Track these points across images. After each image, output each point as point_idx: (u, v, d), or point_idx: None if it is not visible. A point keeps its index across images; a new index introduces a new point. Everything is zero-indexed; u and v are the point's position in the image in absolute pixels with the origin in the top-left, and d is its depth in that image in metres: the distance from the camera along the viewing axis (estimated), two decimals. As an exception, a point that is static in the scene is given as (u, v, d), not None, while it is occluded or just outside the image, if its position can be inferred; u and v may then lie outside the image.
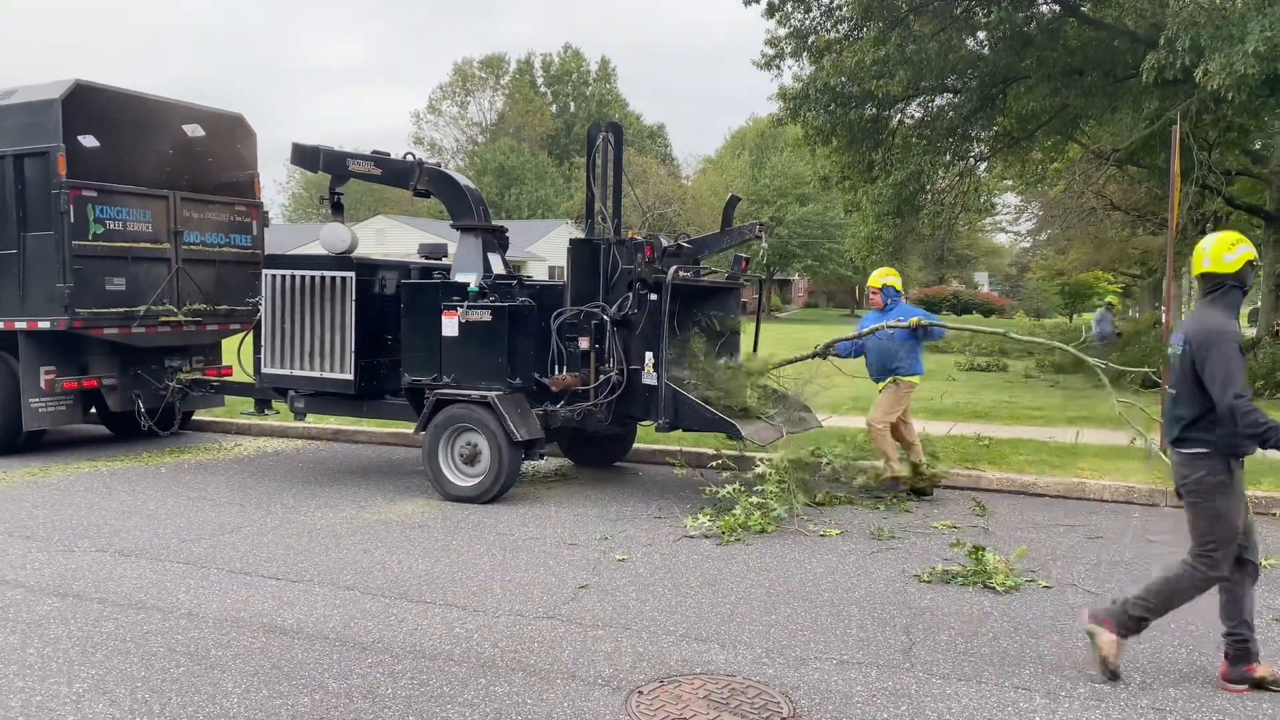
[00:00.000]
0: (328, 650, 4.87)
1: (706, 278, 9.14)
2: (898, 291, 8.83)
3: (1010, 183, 28.32)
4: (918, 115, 20.56)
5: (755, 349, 9.65)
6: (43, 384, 10.27)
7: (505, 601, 5.64)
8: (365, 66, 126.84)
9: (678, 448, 9.89)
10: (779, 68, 20.54)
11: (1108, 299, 24.29)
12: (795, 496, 7.62)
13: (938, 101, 19.97)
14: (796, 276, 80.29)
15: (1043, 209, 35.57)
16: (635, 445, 10.26)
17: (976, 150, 20.17)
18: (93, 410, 11.51)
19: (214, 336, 11.73)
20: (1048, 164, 23.03)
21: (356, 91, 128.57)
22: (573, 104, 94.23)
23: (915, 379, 8.61)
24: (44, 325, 10.05)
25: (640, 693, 4.38)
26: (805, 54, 19.38)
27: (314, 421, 11.74)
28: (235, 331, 11.67)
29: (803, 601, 5.68)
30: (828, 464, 8.87)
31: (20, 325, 10.14)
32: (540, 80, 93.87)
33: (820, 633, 5.16)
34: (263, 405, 10.54)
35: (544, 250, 53.48)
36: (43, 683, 4.47)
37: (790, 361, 9.42)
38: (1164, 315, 13.05)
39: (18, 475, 9.44)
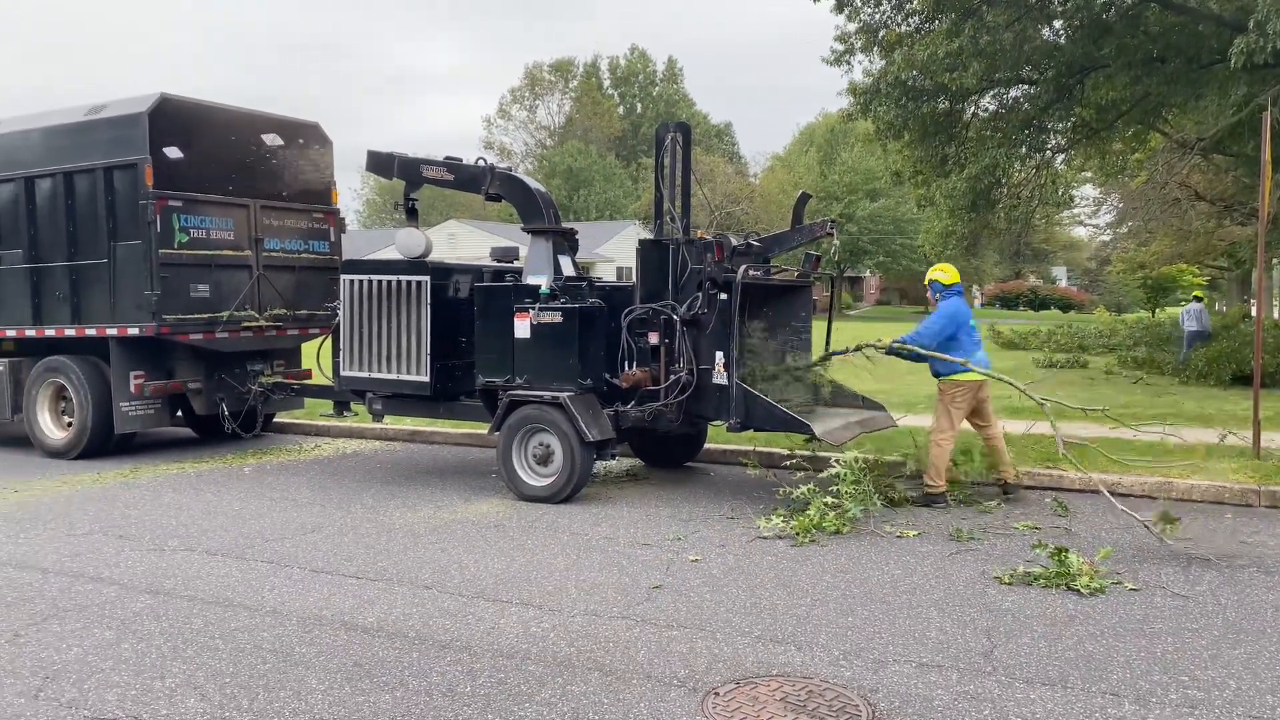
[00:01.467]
0: (407, 648, 4.95)
1: (777, 276, 9.07)
2: (944, 286, 8.48)
3: (1089, 175, 27.61)
4: (992, 108, 20.16)
5: (828, 348, 9.55)
6: (132, 388, 10.63)
7: (580, 601, 5.67)
8: (439, 73, 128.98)
9: (750, 447, 9.86)
10: (849, 63, 20.31)
11: (1194, 293, 23.50)
12: (871, 497, 7.52)
13: (1012, 93, 19.55)
14: (868, 274, 79.41)
15: (1123, 201, 34.59)
16: (706, 445, 10.24)
17: (1053, 142, 19.69)
18: (179, 413, 11.89)
19: (294, 341, 12.01)
20: (1128, 154, 22.39)
21: (430, 98, 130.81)
22: (639, 105, 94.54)
23: (958, 377, 8.20)
24: (133, 331, 10.40)
25: (717, 694, 4.36)
26: (875, 49, 19.13)
27: (391, 423, 11.96)
28: (314, 336, 11.95)
29: (880, 603, 5.61)
30: (905, 464, 8.79)
31: (111, 331, 10.51)
32: (607, 82, 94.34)
33: (898, 635, 5.09)
34: (342, 407, 10.78)
35: (612, 251, 53.69)
36: (137, 677, 4.62)
37: (830, 356, 9.21)
38: (1254, 308, 12.60)
39: (111, 476, 9.78)
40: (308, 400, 12.33)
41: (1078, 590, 5.74)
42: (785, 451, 9.03)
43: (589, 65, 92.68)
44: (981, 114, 19.87)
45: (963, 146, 19.68)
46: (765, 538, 7.08)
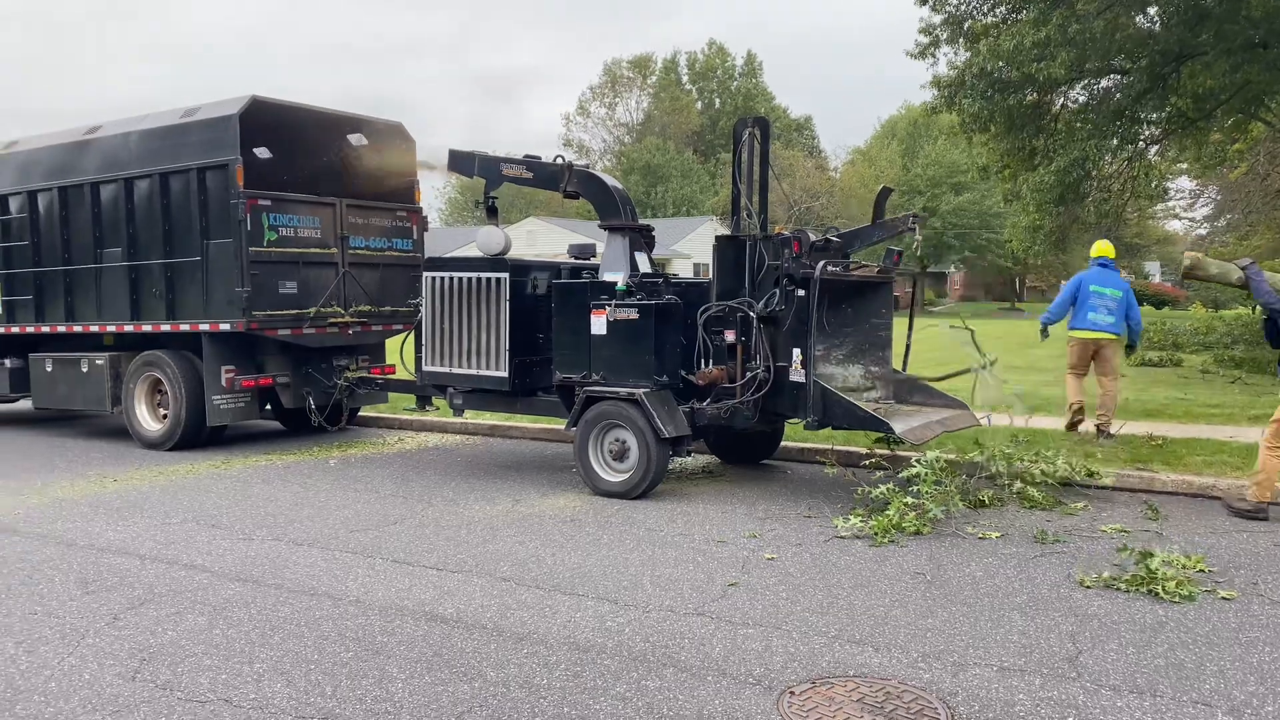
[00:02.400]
0: (485, 639, 5.03)
1: (856, 272, 8.96)
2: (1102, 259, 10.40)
3: (1185, 166, 26.66)
4: (1082, 98, 19.64)
5: (908, 345, 9.42)
6: (224, 382, 10.97)
7: (655, 597, 5.69)
8: (525, 73, 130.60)
9: (828, 446, 9.77)
10: (934, 56, 19.98)
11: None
12: (952, 497, 7.39)
13: (1103, 83, 19.02)
14: (952, 270, 77.89)
15: (1221, 193, 33.35)
16: (784, 444, 10.17)
17: (1147, 133, 19.08)
18: (267, 407, 12.24)
19: (378, 336, 12.27)
20: (1228, 145, 21.56)
21: (516, 98, 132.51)
22: (718, 100, 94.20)
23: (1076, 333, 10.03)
24: (224, 327, 10.73)
25: (793, 693, 4.34)
26: (961, 40, 18.79)
27: (471, 418, 12.13)
28: (398, 331, 12.18)
29: (960, 605, 5.51)
30: (990, 463, 8.62)
31: (204, 327, 10.87)
32: (685, 78, 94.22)
33: (979, 638, 5.00)
34: (424, 401, 11.00)
35: (689, 247, 53.65)
36: (227, 662, 4.77)
37: (953, 376, 9.23)
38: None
39: (204, 468, 10.12)
40: (391, 395, 12.59)
41: (1166, 597, 5.55)
42: (864, 450, 8.93)
43: (668, 61, 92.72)
44: (1071, 105, 19.37)
45: (1052, 138, 19.19)
46: (843, 537, 7.01)
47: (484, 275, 9.17)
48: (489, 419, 12.21)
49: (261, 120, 10.73)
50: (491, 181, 10.09)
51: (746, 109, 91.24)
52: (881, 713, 4.14)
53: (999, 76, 17.43)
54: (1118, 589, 5.73)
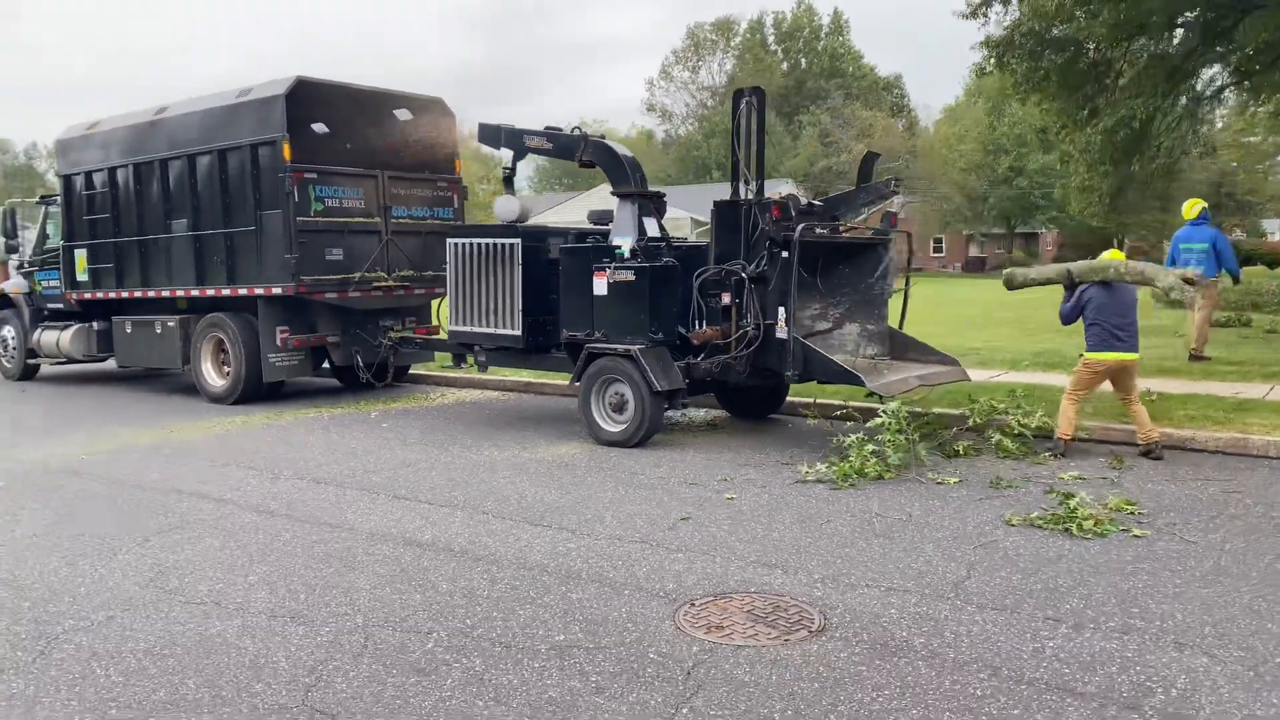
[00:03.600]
0: (449, 560, 5.77)
1: (846, 235, 9.37)
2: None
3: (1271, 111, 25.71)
4: (1136, 56, 19.27)
5: (905, 305, 9.82)
6: (278, 341, 11.96)
7: (610, 528, 6.35)
8: (614, 41, 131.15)
9: (812, 400, 10.24)
10: (985, 15, 19.83)
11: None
12: (915, 446, 7.85)
13: (1153, 40, 18.64)
14: (1043, 230, 75.94)
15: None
16: (802, 399, 10.59)
17: (1198, 90, 18.68)
18: (325, 365, 13.22)
19: (421, 300, 13.11)
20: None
21: (606, 65, 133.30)
22: (804, 60, 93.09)
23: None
24: (276, 290, 11.69)
25: (693, 604, 4.97)
26: (1013, -1, 18.59)
27: (507, 375, 12.94)
28: (440, 295, 12.99)
29: (884, 539, 6.03)
30: (971, 415, 9.03)
31: (259, 291, 11.85)
32: (771, 38, 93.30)
33: (886, 565, 5.53)
34: (459, 359, 11.80)
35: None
36: (227, 575, 5.61)
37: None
38: None
39: (257, 419, 11.13)
40: (438, 354, 13.44)
41: (1078, 533, 5.98)
42: (850, 404, 9.39)
43: (753, 22, 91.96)
44: (1123, 63, 19.05)
45: (1111, 95, 18.92)
46: (806, 482, 7.55)
47: (499, 241, 9.88)
48: (526, 377, 12.97)
49: (307, 99, 11.59)
50: (517, 152, 10.75)
51: (832, 69, 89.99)
52: (764, 621, 4.74)
53: (1047, 36, 17.30)
54: (1038, 527, 6.18)
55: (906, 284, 9.84)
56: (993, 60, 18.94)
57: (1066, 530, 6.05)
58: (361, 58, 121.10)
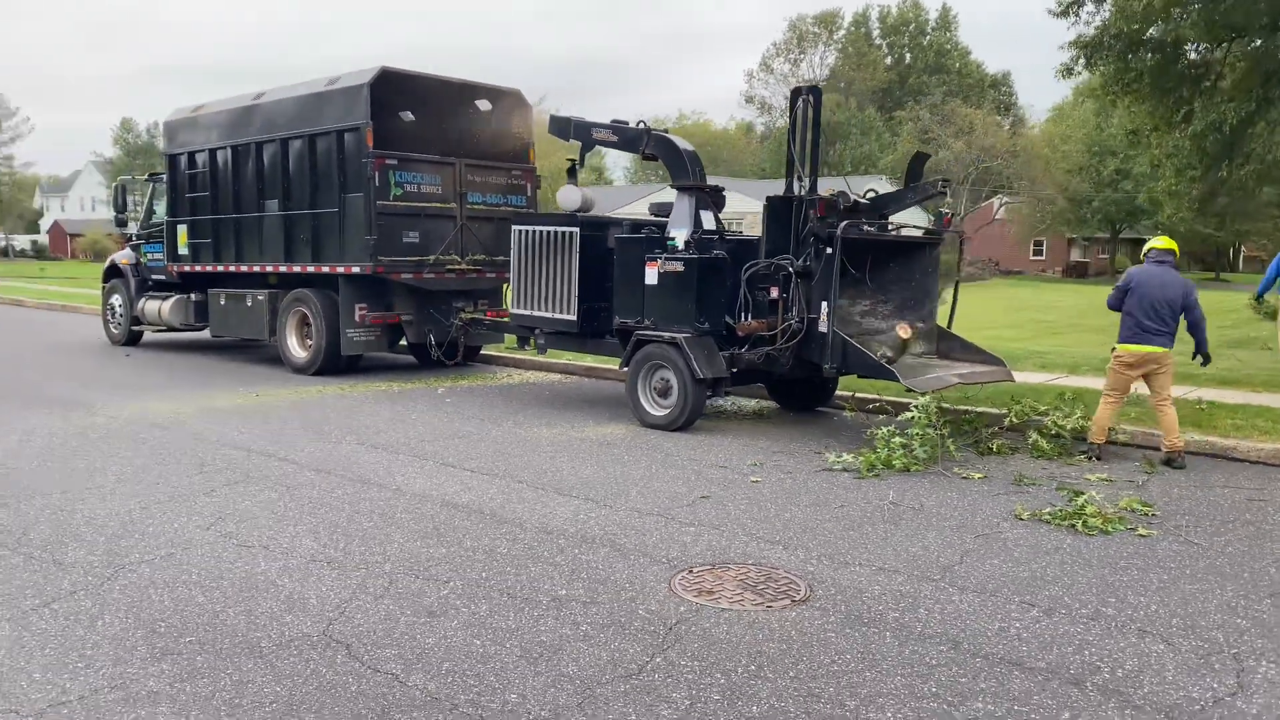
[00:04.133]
0: (479, 521, 6.24)
1: (894, 233, 9.57)
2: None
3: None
4: (1237, 59, 18.75)
5: (954, 305, 9.95)
6: (356, 318, 12.66)
7: (633, 502, 6.75)
8: (728, 32, 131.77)
9: (877, 397, 10.44)
10: (1076, 14, 19.54)
11: None
12: (943, 440, 8.04)
13: (1259, 41, 18.12)
14: (1154, 235, 73.39)
15: None
16: (853, 394, 10.82)
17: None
18: (402, 342, 13.90)
19: (492, 283, 13.68)
20: None
21: (718, 55, 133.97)
22: (908, 54, 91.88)
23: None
24: (356, 270, 12.38)
25: (690, 571, 5.33)
26: (1104, -3, 18.27)
27: (572, 360, 13.42)
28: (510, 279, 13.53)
29: (890, 524, 6.30)
30: (1009, 415, 9.16)
31: (340, 270, 12.56)
32: (876, 32, 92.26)
33: (883, 548, 5.80)
34: (524, 341, 12.30)
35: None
36: (279, 524, 6.19)
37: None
38: None
39: (332, 390, 11.83)
40: (508, 335, 14.00)
41: (1083, 530, 6.15)
42: (874, 396, 9.61)
43: (859, 15, 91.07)
44: (1226, 65, 18.55)
45: (1208, 98, 18.47)
46: (833, 470, 7.83)
47: (559, 229, 10.34)
48: (589, 361, 13.41)
49: (390, 89, 12.23)
50: (586, 144, 11.20)
51: (937, 64, 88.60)
52: (753, 589, 5.08)
53: (1135, 36, 17.00)
54: (1045, 522, 6.36)
55: (956, 285, 9.98)
56: (1080, 61, 18.69)
57: (1072, 527, 6.22)
58: (481, 46, 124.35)
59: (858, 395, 10.43)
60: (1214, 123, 16.76)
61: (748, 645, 4.38)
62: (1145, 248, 8.72)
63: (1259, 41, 17.47)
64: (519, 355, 14.39)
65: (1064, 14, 19.54)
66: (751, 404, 11.08)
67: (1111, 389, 8.43)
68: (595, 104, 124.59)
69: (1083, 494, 6.48)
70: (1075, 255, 72.02)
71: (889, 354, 9.40)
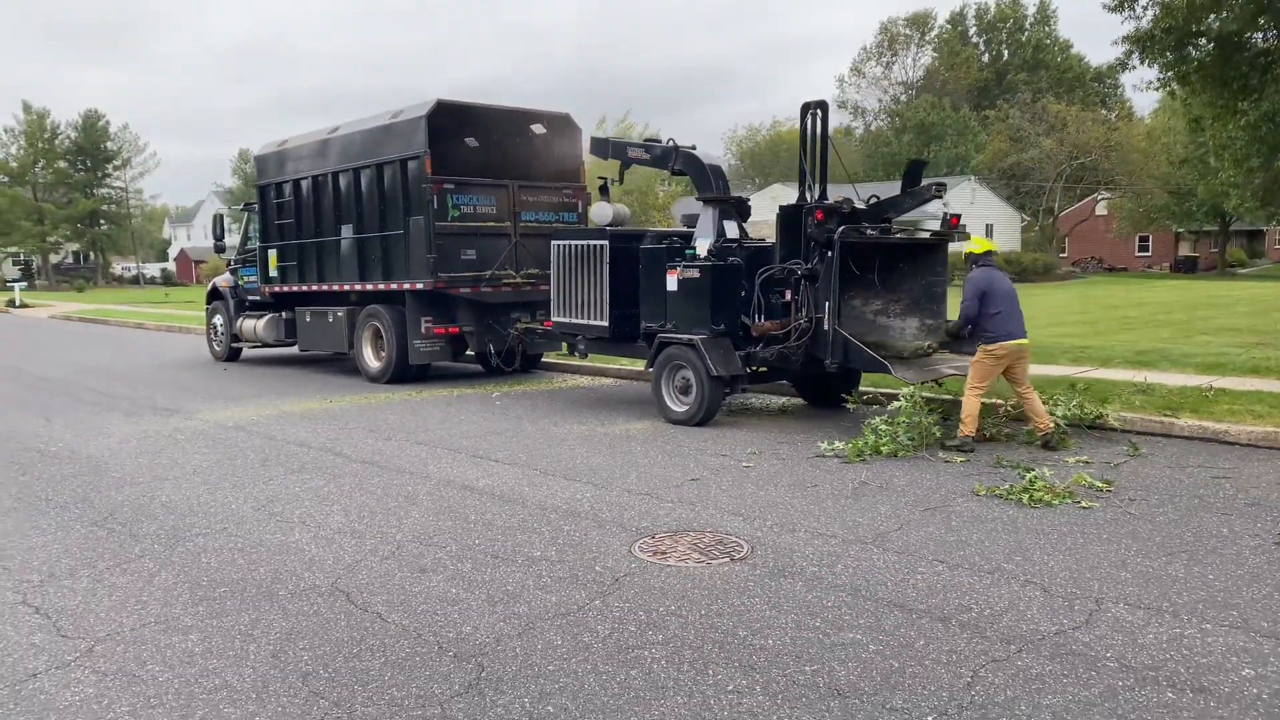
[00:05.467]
0: (488, 500, 7.16)
1: (898, 236, 10.16)
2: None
3: None
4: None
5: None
6: (422, 330, 13.81)
7: (630, 484, 7.57)
8: (826, 38, 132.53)
9: (895, 391, 11.02)
10: (1131, 8, 19.58)
11: None
12: (927, 427, 8.62)
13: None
14: (1274, 225, 70.44)
15: None
16: (876, 389, 11.39)
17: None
18: (469, 352, 15.00)
19: (546, 295, 14.61)
20: None
21: (816, 62, 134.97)
22: (1006, 51, 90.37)
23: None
24: (419, 286, 13.53)
25: (652, 537, 6.14)
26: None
27: (625, 364, 14.30)
28: (564, 290, 14.49)
29: (851, 500, 6.97)
30: (1003, 404, 9.65)
31: (406, 286, 13.73)
32: (973, 30, 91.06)
33: (833, 517, 6.49)
34: (573, 347, 13.24)
35: (936, 207, 52.51)
36: (318, 504, 7.22)
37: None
38: None
39: (398, 396, 12.98)
40: (565, 343, 14.97)
41: (1027, 503, 6.71)
42: (892, 390, 10.18)
43: (955, 14, 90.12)
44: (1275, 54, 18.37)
45: (1274, 86, 18.31)
46: (824, 456, 8.50)
47: (591, 243, 11.25)
48: (638, 366, 14.25)
49: (445, 119, 13.36)
50: (623, 162, 12.11)
51: (1035, 60, 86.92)
52: (702, 550, 5.85)
53: (1199, 27, 17.05)
54: (1000, 497, 6.94)
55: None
56: (1134, 55, 18.74)
57: (1018, 501, 6.79)
58: (596, 63, 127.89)
59: (882, 391, 11.00)
60: (1267, 112, 16.70)
61: (677, 592, 5.17)
62: (966, 251, 9.24)
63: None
64: (574, 362, 15.34)
65: (1118, 8, 19.64)
66: (779, 401, 11.77)
67: (980, 380, 8.81)
68: (685, 116, 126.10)
69: (1032, 470, 7.02)
70: (1184, 250, 69.63)
71: (905, 350, 9.99)
